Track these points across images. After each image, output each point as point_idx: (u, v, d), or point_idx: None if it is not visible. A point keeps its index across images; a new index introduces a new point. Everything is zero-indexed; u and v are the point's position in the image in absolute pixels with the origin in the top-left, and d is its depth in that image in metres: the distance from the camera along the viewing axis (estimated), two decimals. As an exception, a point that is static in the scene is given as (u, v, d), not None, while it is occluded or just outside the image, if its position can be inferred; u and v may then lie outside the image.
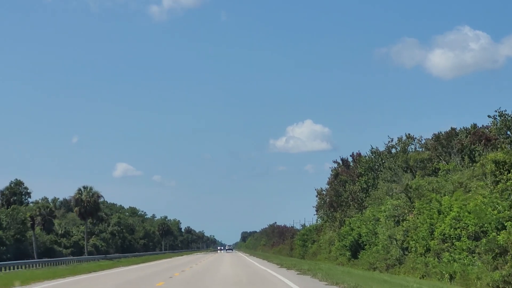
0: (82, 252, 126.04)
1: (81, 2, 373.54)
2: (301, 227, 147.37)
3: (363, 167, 67.85)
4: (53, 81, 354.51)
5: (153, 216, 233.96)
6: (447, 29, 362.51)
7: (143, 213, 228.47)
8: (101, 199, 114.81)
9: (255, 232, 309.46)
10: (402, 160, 60.75)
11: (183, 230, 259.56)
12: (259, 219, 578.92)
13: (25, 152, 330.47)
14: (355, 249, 56.95)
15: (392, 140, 66.41)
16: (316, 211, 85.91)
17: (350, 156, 78.31)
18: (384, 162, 65.03)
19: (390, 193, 55.77)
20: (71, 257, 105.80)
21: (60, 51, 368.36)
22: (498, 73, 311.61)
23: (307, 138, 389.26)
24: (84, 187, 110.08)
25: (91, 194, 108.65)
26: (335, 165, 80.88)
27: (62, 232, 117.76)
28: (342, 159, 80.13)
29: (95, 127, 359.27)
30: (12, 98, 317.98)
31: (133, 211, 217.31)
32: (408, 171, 58.96)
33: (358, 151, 77.36)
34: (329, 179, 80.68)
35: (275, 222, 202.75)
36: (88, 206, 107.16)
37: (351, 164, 77.76)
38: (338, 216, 72.18)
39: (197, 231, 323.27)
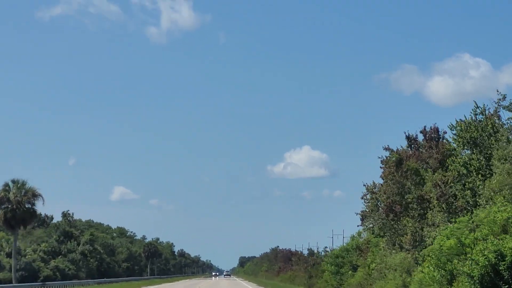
0: (36, 277, 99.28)
1: (79, 22, 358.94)
2: (307, 252, 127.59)
3: (460, 141, 40.62)
4: (48, 101, 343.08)
5: (143, 237, 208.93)
6: (447, 56, 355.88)
7: (132, 234, 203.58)
8: (40, 201, 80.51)
9: (254, 257, 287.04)
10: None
11: (176, 253, 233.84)
12: (257, 244, 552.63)
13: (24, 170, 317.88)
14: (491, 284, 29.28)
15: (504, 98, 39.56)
16: (362, 219, 57.65)
17: (421, 132, 50.93)
18: (499, 131, 38.25)
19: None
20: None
21: (57, 70, 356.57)
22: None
23: (304, 165, 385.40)
24: (13, 181, 77.56)
25: (23, 192, 76.57)
26: (387, 152, 53.76)
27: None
28: (408, 137, 52.42)
29: (93, 148, 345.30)
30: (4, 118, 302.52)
31: (121, 232, 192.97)
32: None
33: (435, 124, 50.23)
34: (383, 172, 53.38)
35: (278, 246, 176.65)
36: (19, 209, 74.84)
37: (421, 145, 50.80)
38: (410, 224, 44.85)
39: (192, 255, 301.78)
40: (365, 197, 55.54)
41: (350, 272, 62.78)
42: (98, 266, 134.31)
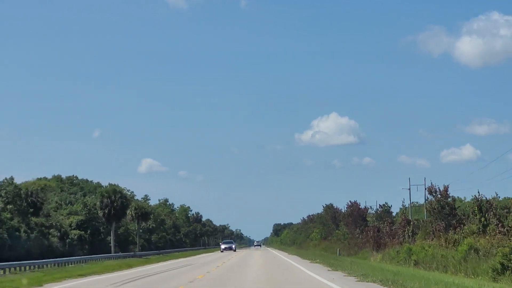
0: None
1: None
2: (378, 209, 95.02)
3: None
4: (70, 73, 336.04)
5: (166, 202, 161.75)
6: (475, 15, 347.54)
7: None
8: None
9: (291, 224, 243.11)
10: None
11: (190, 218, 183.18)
12: (290, 212, 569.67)
13: (45, 148, 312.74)
14: None
15: None
16: None
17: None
18: None
19: None
20: None
21: (79, 41, 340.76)
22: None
23: (333, 132, 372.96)
24: None
25: None
26: None
27: None
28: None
29: (118, 121, 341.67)
30: (23, 91, 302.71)
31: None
32: None
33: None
34: None
35: (331, 203, 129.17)
36: None
37: None
38: None
39: (218, 224, 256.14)
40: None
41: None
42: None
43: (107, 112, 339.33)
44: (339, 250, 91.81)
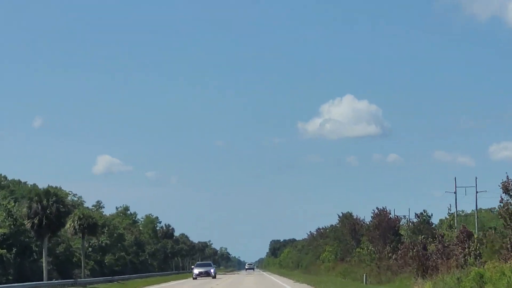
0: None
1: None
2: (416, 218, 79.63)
3: None
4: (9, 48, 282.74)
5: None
6: None
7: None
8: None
9: (294, 240, 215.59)
10: None
11: (159, 232, 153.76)
12: (292, 225, 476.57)
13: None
14: None
15: None
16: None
17: None
18: None
19: None
20: None
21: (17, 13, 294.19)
22: None
23: (347, 120, 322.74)
24: None
25: None
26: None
27: None
28: None
29: (67, 107, 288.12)
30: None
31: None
32: None
33: None
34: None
35: (350, 212, 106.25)
36: None
37: None
38: None
39: (197, 241, 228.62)
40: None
41: None
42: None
43: (53, 96, 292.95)
44: (365, 275, 72.98)
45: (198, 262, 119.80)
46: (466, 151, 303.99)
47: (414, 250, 66.92)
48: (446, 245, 64.35)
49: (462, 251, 60.42)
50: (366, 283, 67.07)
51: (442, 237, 65.97)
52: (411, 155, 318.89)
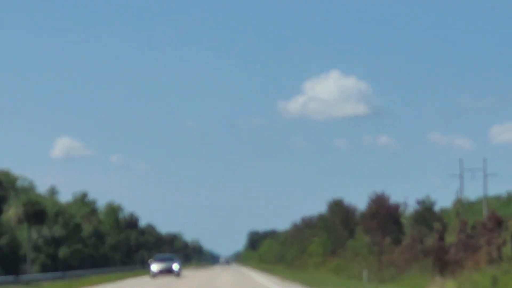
0: None
1: None
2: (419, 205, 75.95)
3: None
4: None
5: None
6: None
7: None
8: None
9: (275, 231, 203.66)
10: None
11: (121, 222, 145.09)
12: (273, 215, 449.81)
13: None
14: None
15: None
16: None
17: None
18: None
19: None
20: None
21: None
22: None
23: (334, 99, 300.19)
24: None
25: None
26: None
27: None
28: None
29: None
30: None
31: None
32: None
33: None
34: None
35: (341, 198, 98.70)
36: None
37: None
38: None
39: (165, 232, 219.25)
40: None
41: None
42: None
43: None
44: (366, 272, 64.06)
45: (157, 255, 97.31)
46: (465, 133, 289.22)
47: (425, 242, 62.22)
48: (469, 235, 56.11)
49: (494, 242, 53.16)
50: (367, 281, 58.83)
51: (465, 224, 57.35)
52: (404, 137, 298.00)
